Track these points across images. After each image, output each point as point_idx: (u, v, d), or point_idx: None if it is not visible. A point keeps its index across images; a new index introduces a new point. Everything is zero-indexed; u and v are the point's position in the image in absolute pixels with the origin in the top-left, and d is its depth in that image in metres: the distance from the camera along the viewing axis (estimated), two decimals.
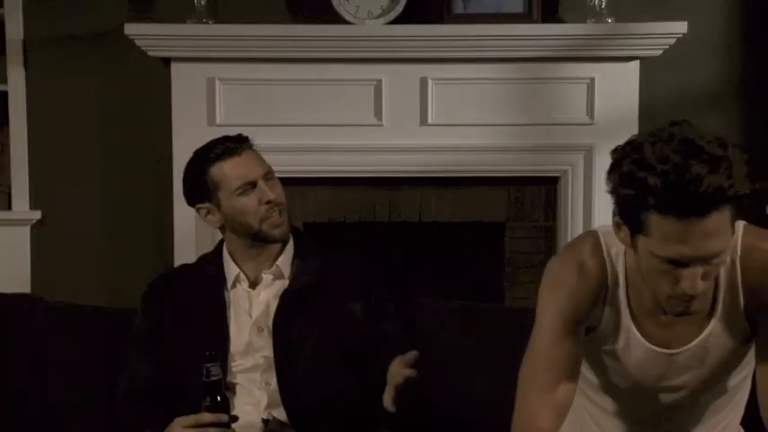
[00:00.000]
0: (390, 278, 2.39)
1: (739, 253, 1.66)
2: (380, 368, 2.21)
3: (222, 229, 2.31)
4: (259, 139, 2.32)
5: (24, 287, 3.42)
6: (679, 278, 1.54)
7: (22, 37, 3.44)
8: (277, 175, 2.32)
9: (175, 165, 3.31)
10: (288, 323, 2.23)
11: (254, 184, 2.23)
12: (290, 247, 2.32)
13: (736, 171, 1.47)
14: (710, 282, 1.58)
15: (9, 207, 3.51)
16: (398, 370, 2.00)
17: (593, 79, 3.35)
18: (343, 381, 2.23)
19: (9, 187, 3.50)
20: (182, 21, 3.29)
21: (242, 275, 2.29)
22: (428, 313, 2.52)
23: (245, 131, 2.32)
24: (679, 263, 1.53)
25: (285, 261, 2.30)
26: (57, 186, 3.50)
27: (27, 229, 3.51)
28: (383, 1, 3.34)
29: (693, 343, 1.70)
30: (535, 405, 1.70)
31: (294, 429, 2.21)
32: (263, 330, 2.24)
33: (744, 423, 1.89)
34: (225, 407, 2.04)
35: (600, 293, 1.71)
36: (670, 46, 3.28)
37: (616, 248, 1.69)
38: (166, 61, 3.35)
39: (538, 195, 3.48)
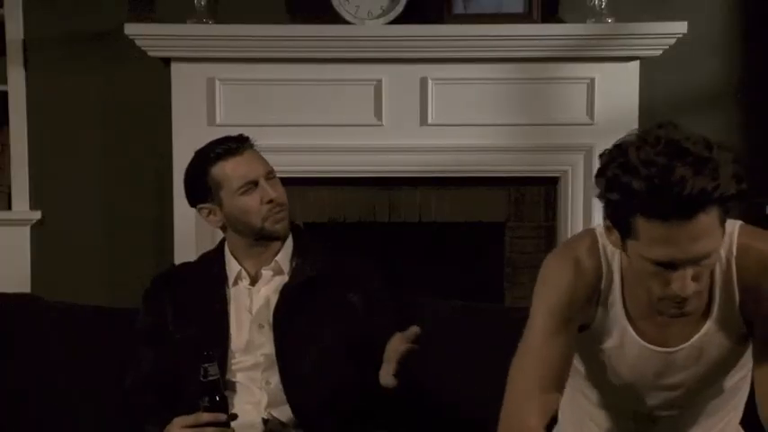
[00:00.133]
0: (390, 278, 2.39)
1: (735, 253, 1.66)
2: (379, 365, 2.22)
3: (224, 228, 2.31)
4: (259, 139, 2.32)
5: (24, 287, 3.42)
6: (669, 280, 1.54)
7: (22, 37, 3.44)
8: (277, 176, 2.32)
9: (175, 165, 3.31)
10: (288, 318, 2.23)
11: (255, 184, 2.24)
12: (290, 243, 2.33)
13: (723, 172, 1.47)
14: (703, 283, 1.58)
15: (9, 207, 3.51)
16: (397, 345, 2.01)
17: (593, 79, 3.35)
18: (348, 378, 2.22)
19: (9, 187, 3.50)
20: (182, 21, 3.29)
21: (243, 272, 2.29)
22: (428, 313, 2.52)
23: (245, 131, 2.32)
24: (668, 265, 1.53)
25: (284, 257, 2.31)
26: (57, 186, 3.50)
27: (27, 229, 3.51)
28: (383, 1, 3.34)
29: (689, 342, 1.70)
30: (523, 404, 1.70)
31: (297, 427, 2.21)
32: (263, 327, 2.25)
33: (744, 423, 1.89)
34: (223, 406, 2.04)
35: (594, 292, 1.72)
36: (670, 46, 3.28)
37: (612, 247, 1.69)
38: (166, 61, 3.35)
39: (538, 195, 3.48)
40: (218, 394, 2.03)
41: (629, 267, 1.66)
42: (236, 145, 2.25)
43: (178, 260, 3.19)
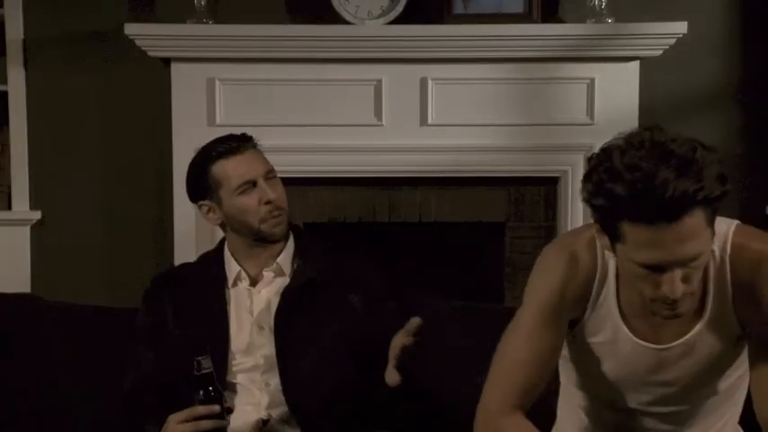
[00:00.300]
0: (390, 278, 2.39)
1: (729, 252, 1.66)
2: (381, 366, 2.22)
3: (223, 226, 2.32)
4: (259, 139, 2.32)
5: (24, 287, 3.41)
6: (660, 283, 1.55)
7: (22, 37, 3.44)
8: (278, 176, 2.32)
9: (175, 165, 3.32)
10: (289, 321, 2.23)
11: (254, 183, 2.24)
12: (291, 245, 2.33)
13: (707, 173, 1.47)
14: (694, 284, 1.58)
15: (9, 207, 3.51)
16: (399, 341, 2.01)
17: (593, 79, 3.35)
18: (348, 380, 2.23)
19: (9, 187, 3.50)
20: (182, 21, 3.29)
21: (243, 273, 2.29)
22: (428, 313, 2.50)
23: (245, 132, 2.32)
24: (656, 268, 1.54)
25: (286, 259, 2.31)
26: (57, 186, 3.50)
27: (27, 229, 3.51)
28: (383, 1, 3.34)
29: (682, 340, 1.70)
30: (504, 390, 1.72)
31: (296, 428, 2.21)
32: (263, 329, 2.25)
33: (742, 422, 1.89)
34: (218, 399, 2.03)
35: (588, 288, 1.73)
36: (670, 46, 3.28)
37: None
38: (166, 61, 3.35)
39: (538, 195, 3.48)
40: (212, 387, 2.02)
41: (622, 267, 1.67)
42: (237, 144, 2.26)
43: (178, 260, 3.20)
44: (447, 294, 2.76)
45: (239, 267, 2.30)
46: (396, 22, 3.32)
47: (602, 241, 1.62)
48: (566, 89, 3.37)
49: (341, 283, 2.29)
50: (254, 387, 2.23)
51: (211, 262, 2.34)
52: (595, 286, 1.72)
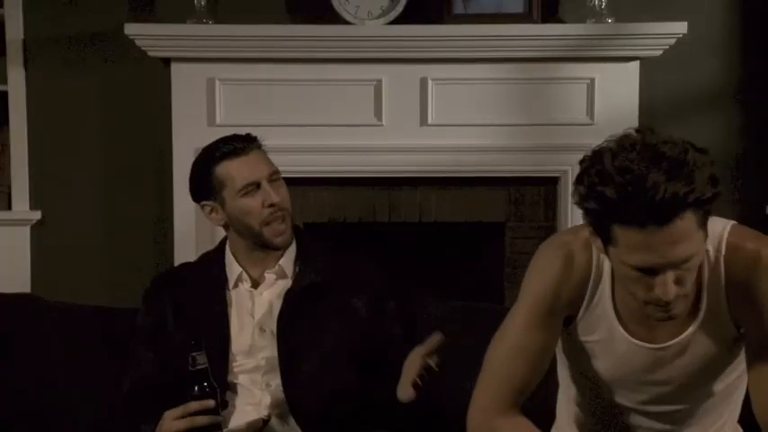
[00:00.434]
0: (391, 278, 2.39)
1: (723, 252, 1.66)
2: (381, 367, 2.22)
3: (226, 227, 2.31)
4: (264, 139, 2.31)
5: (24, 287, 3.41)
6: (652, 285, 1.55)
7: (22, 37, 3.44)
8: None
9: (175, 165, 3.32)
10: (292, 324, 2.22)
11: (258, 185, 2.23)
12: (293, 247, 2.32)
13: (698, 175, 1.47)
14: (687, 286, 1.58)
15: (9, 207, 3.51)
16: (416, 359, 2.00)
17: (593, 79, 3.35)
18: (349, 381, 2.23)
19: (9, 187, 3.50)
20: (182, 21, 3.29)
21: (244, 275, 2.29)
22: (428, 313, 2.52)
23: (245, 132, 2.32)
24: (649, 271, 1.54)
25: (288, 261, 2.30)
26: (57, 186, 3.50)
27: (27, 229, 3.51)
28: (383, 1, 3.34)
29: (676, 339, 1.70)
30: (498, 388, 1.73)
31: (296, 429, 2.21)
32: (265, 331, 2.24)
33: (741, 421, 1.89)
34: (213, 395, 2.03)
35: (583, 288, 1.73)
36: (670, 46, 3.28)
37: None
38: (166, 61, 3.35)
39: (538, 195, 3.48)
40: (206, 383, 2.02)
41: (615, 269, 1.67)
42: (242, 145, 2.24)
43: (178, 260, 3.20)
44: (447, 294, 2.76)
45: (241, 269, 2.29)
46: (396, 22, 3.32)
47: (595, 243, 1.62)
48: (566, 89, 3.37)
49: (342, 285, 2.28)
50: (255, 388, 2.23)
51: (212, 262, 2.34)
52: (590, 286, 1.73)
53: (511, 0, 3.37)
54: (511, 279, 3.48)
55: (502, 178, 3.44)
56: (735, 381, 1.80)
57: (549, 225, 3.46)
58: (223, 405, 2.08)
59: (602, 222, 1.54)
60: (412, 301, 2.47)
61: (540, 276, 1.75)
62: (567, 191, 3.36)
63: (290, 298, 2.24)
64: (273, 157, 2.33)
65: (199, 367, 2.01)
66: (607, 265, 1.71)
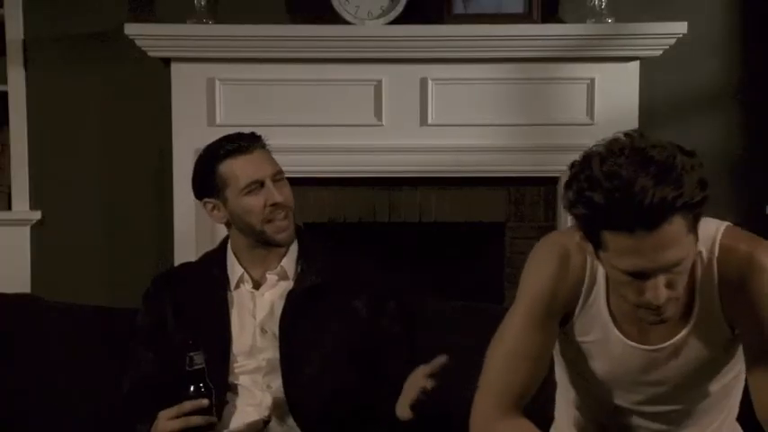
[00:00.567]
0: (391, 278, 2.39)
1: (716, 254, 1.66)
2: (381, 367, 2.22)
3: (228, 225, 2.31)
4: (268, 138, 2.31)
5: (24, 287, 3.41)
6: (643, 289, 1.55)
7: (22, 37, 3.44)
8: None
9: (175, 165, 3.32)
10: (294, 326, 2.22)
11: (261, 184, 2.22)
12: (294, 247, 2.32)
13: (687, 179, 1.46)
14: (679, 289, 1.58)
15: (9, 207, 3.51)
16: (417, 379, 2.00)
17: (593, 79, 3.35)
18: (350, 382, 2.23)
19: (9, 187, 3.50)
20: (182, 21, 3.29)
21: (246, 276, 2.28)
22: (428, 313, 2.52)
23: (245, 132, 2.32)
24: (639, 275, 1.53)
25: (290, 262, 2.30)
26: (57, 186, 3.50)
27: (27, 229, 3.51)
28: (383, 1, 3.34)
29: (671, 341, 1.70)
30: (499, 392, 1.72)
31: (297, 430, 2.21)
32: (266, 332, 2.24)
33: (740, 419, 1.89)
34: (208, 395, 2.03)
35: (578, 289, 1.73)
36: (670, 46, 3.28)
37: None
38: (166, 61, 3.35)
39: (538, 195, 3.48)
40: (202, 383, 2.02)
41: (608, 273, 1.67)
42: (246, 143, 2.24)
43: (178, 260, 3.20)
44: (447, 294, 2.76)
45: (242, 270, 2.28)
46: (396, 22, 3.32)
47: (587, 249, 1.61)
48: (566, 89, 3.37)
49: (344, 286, 2.28)
50: (256, 388, 2.23)
51: (213, 263, 2.33)
52: (585, 286, 1.72)
53: (511, 0, 3.37)
54: (511, 279, 3.48)
55: (502, 178, 3.44)
56: (731, 381, 1.80)
57: (549, 225, 3.46)
58: (221, 406, 2.08)
59: (591, 228, 1.53)
60: (411, 302, 2.46)
61: (536, 278, 1.74)
62: None
63: (292, 299, 2.24)
64: (274, 157, 2.33)
65: (196, 367, 2.00)
66: (601, 267, 1.71)
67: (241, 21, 3.31)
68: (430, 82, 3.37)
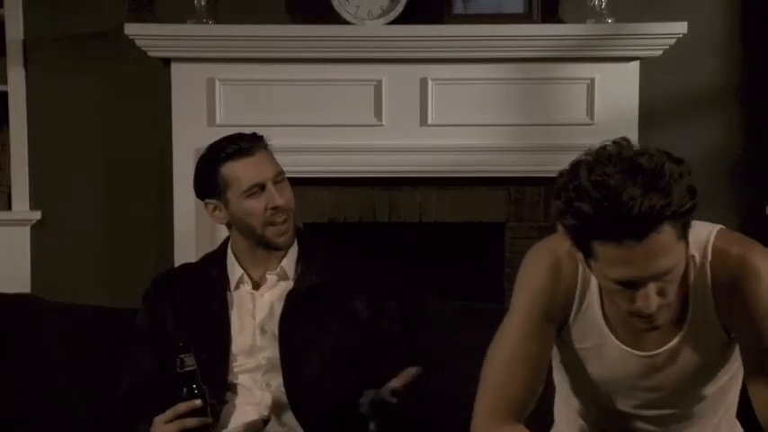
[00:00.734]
0: (391, 278, 2.39)
1: (710, 258, 1.65)
2: (381, 367, 2.22)
3: (229, 225, 2.31)
4: (270, 138, 2.31)
5: (24, 287, 3.41)
6: (634, 297, 1.54)
7: (22, 37, 3.44)
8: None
9: (175, 165, 3.32)
10: (294, 327, 2.22)
11: (262, 187, 2.22)
12: (294, 248, 2.32)
13: (676, 187, 1.46)
14: (670, 296, 1.57)
15: (9, 207, 3.51)
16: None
17: (593, 79, 3.35)
18: (350, 382, 2.22)
19: (9, 187, 3.50)
20: (182, 21, 3.29)
21: (245, 277, 2.29)
22: (428, 313, 2.52)
23: (245, 132, 2.32)
24: (629, 284, 1.53)
25: (290, 262, 2.30)
26: (57, 186, 3.50)
27: (27, 229, 3.51)
28: (383, 1, 3.34)
29: (666, 347, 1.70)
30: (497, 403, 1.71)
31: (297, 429, 2.21)
32: (266, 332, 2.24)
33: (743, 419, 1.89)
34: (202, 396, 2.04)
35: (572, 296, 1.72)
36: (670, 46, 3.28)
37: None
38: (166, 61, 3.35)
39: (538, 195, 3.48)
40: (195, 385, 2.03)
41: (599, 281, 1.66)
42: (248, 145, 2.23)
43: (178, 260, 3.20)
44: (447, 294, 2.76)
45: (242, 271, 2.29)
46: (396, 22, 3.32)
47: (577, 256, 1.61)
48: (566, 89, 3.37)
49: (344, 286, 2.28)
50: (256, 387, 2.23)
51: (213, 263, 2.34)
52: (577, 294, 1.72)
53: (511, 0, 3.37)
54: (511, 279, 3.43)
55: (502, 178, 3.44)
56: (728, 382, 1.79)
57: (549, 225, 3.46)
58: (220, 405, 2.08)
59: (580, 238, 1.53)
60: (411, 302, 2.46)
61: (529, 287, 1.74)
62: None
63: (291, 300, 2.24)
64: (275, 157, 2.32)
65: (187, 369, 2.01)
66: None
67: (241, 21, 3.31)
68: (430, 82, 3.37)
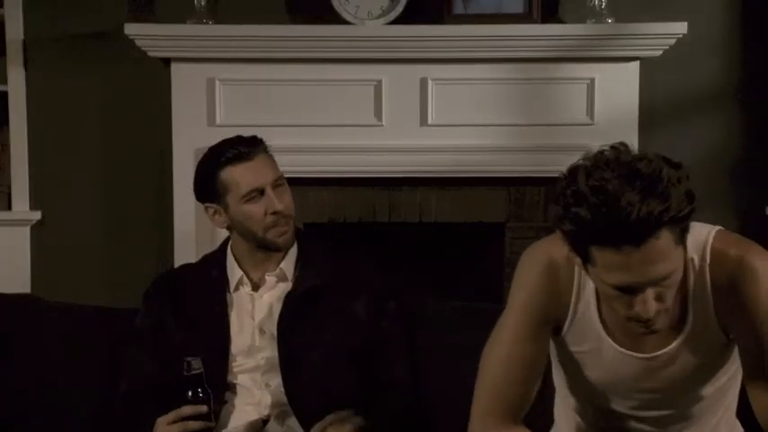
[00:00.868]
0: (391, 278, 2.39)
1: (708, 260, 1.65)
2: (381, 367, 2.22)
3: (229, 228, 2.31)
4: (269, 141, 2.31)
5: (24, 287, 3.41)
6: (632, 303, 1.54)
7: (22, 37, 3.44)
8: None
9: (175, 165, 3.32)
10: (292, 328, 2.22)
11: (261, 192, 2.22)
12: (294, 249, 2.32)
13: (674, 192, 1.45)
14: (668, 301, 1.57)
15: (9, 207, 3.51)
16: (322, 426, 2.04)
17: (593, 80, 3.35)
18: (350, 383, 2.23)
19: (9, 187, 3.50)
20: (182, 21, 3.29)
21: (245, 278, 2.29)
22: (428, 313, 2.52)
23: (245, 132, 2.32)
24: (627, 289, 1.52)
25: (289, 264, 2.30)
26: (57, 186, 3.50)
27: (27, 229, 3.51)
28: (383, 1, 3.34)
29: (665, 349, 1.69)
30: (493, 405, 1.72)
31: (296, 429, 2.21)
32: (265, 333, 2.24)
33: (743, 417, 1.89)
34: (206, 400, 2.04)
35: (568, 299, 1.72)
36: (670, 46, 3.28)
37: None
38: (166, 61, 3.35)
39: (538, 195, 3.48)
40: (200, 388, 2.03)
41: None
42: (247, 150, 2.23)
43: (178, 260, 3.20)
44: (447, 294, 2.76)
45: (242, 272, 2.29)
46: (396, 22, 3.32)
47: (575, 261, 1.60)
48: (566, 89, 3.37)
49: (343, 288, 2.28)
50: (255, 387, 2.23)
51: (213, 264, 2.34)
52: (573, 297, 1.71)
53: (511, 0, 3.37)
54: (510, 279, 3.44)
55: (502, 178, 3.44)
56: (727, 382, 1.79)
57: (548, 225, 3.46)
58: (220, 405, 2.08)
59: (578, 243, 1.52)
60: (411, 302, 2.46)
61: (525, 290, 1.74)
62: None
63: (290, 301, 2.24)
64: (275, 159, 2.32)
65: (194, 372, 2.01)
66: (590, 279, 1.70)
67: (241, 21, 3.31)
68: (430, 82, 3.36)
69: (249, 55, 3.34)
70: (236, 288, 2.29)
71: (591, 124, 3.35)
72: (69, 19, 3.42)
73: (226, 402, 2.21)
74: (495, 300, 3.43)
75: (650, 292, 1.53)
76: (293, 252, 2.31)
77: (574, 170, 1.53)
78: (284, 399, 2.21)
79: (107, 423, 2.37)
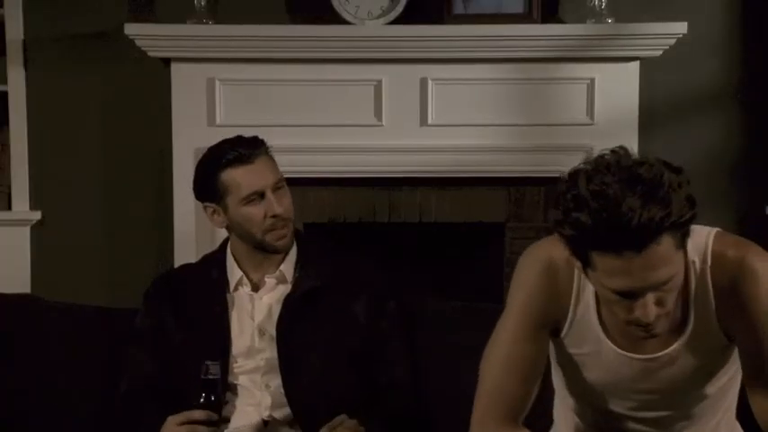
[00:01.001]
0: (391, 278, 2.39)
1: (709, 262, 1.64)
2: (381, 368, 2.22)
3: (228, 228, 2.31)
4: (270, 142, 2.30)
5: (24, 287, 3.41)
6: (633, 307, 1.54)
7: (22, 37, 3.44)
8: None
9: (175, 165, 3.32)
10: (292, 329, 2.22)
11: (261, 194, 2.22)
12: (294, 251, 2.31)
13: (675, 197, 1.45)
14: (669, 305, 1.56)
15: (9, 207, 3.51)
16: None
17: (593, 80, 3.35)
18: (349, 383, 2.23)
19: (9, 187, 3.50)
20: (182, 21, 3.29)
21: (245, 279, 2.29)
22: (428, 313, 2.52)
23: (245, 132, 2.31)
24: (628, 294, 1.52)
25: (288, 265, 2.30)
26: (57, 186, 3.50)
27: (27, 229, 3.51)
28: (383, 1, 3.34)
29: (666, 351, 1.69)
30: (494, 406, 1.71)
31: (297, 429, 2.21)
32: (264, 334, 2.24)
33: (742, 418, 1.89)
34: (217, 407, 2.04)
35: (567, 302, 1.71)
36: (670, 46, 3.28)
37: None
38: (166, 61, 3.35)
39: (538, 195, 3.48)
40: (213, 394, 2.02)
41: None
42: (248, 152, 2.22)
43: (178, 260, 3.20)
44: (447, 294, 2.76)
45: (241, 273, 2.29)
46: (396, 22, 3.32)
47: (576, 265, 1.60)
48: (566, 89, 3.37)
49: (343, 289, 2.28)
50: (255, 388, 2.23)
51: (213, 264, 2.34)
52: (573, 300, 1.71)
53: (511, 0, 3.37)
54: (510, 279, 3.47)
55: (502, 178, 3.44)
56: (727, 383, 1.79)
57: (548, 225, 3.46)
58: (225, 420, 2.09)
59: (578, 248, 1.52)
60: (411, 302, 2.46)
61: (524, 289, 1.74)
62: None
63: (289, 303, 2.24)
64: (276, 160, 2.32)
65: (210, 377, 2.01)
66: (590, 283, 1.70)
67: (241, 21, 3.31)
68: (430, 82, 3.37)
69: (249, 55, 3.34)
70: (236, 288, 2.28)
71: (591, 124, 3.35)
72: (69, 19, 3.42)
73: (227, 403, 2.21)
74: (495, 300, 3.42)
75: (650, 297, 1.52)
76: (293, 253, 2.31)
77: (574, 174, 1.52)
78: (284, 400, 2.20)
79: (107, 423, 2.37)
